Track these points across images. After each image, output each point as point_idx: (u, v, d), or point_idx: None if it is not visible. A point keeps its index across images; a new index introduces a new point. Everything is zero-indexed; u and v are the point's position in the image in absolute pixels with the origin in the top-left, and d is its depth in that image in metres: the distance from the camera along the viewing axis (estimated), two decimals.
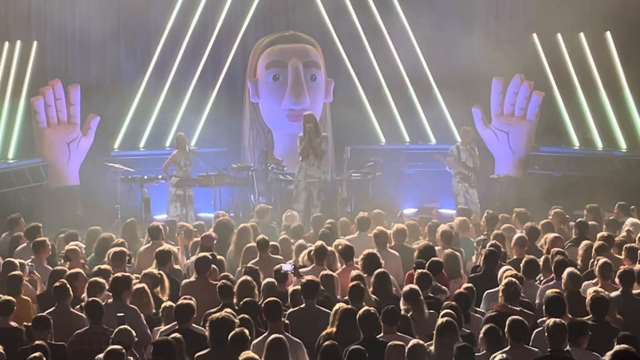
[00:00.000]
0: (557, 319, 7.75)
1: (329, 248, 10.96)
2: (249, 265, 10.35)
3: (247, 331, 7.77)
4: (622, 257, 10.52)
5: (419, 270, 9.59)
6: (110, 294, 9.20)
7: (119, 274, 9.30)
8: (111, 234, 12.75)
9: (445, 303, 8.65)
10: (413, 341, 7.69)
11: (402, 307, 8.80)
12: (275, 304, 8.33)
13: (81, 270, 9.84)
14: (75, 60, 19.31)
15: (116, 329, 7.93)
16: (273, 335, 7.71)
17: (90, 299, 8.68)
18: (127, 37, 19.55)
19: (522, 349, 7.76)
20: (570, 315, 8.35)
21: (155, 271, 9.93)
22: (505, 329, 7.81)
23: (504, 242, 11.31)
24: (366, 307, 8.23)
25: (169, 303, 9.03)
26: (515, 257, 10.91)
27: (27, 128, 18.23)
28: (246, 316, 8.22)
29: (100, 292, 9.14)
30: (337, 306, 8.48)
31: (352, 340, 7.88)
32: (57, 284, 9.07)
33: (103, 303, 8.77)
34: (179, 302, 8.67)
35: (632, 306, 9.05)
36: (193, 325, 8.46)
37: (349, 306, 8.46)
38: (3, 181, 17.35)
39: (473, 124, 18.67)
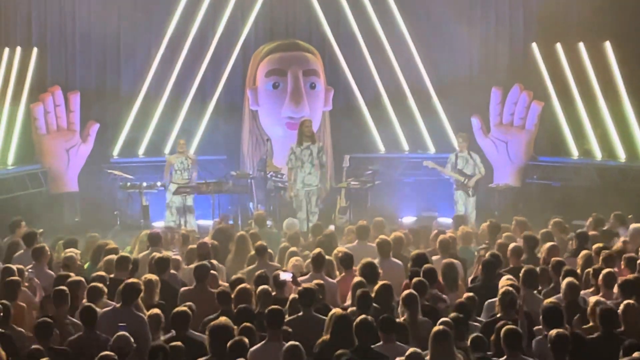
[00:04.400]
0: (560, 330, 7.73)
1: (327, 257, 10.98)
2: (256, 274, 10.33)
3: (246, 340, 7.76)
4: (622, 267, 10.50)
5: (415, 279, 9.56)
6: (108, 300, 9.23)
7: (130, 281, 9.27)
8: (109, 240, 12.76)
9: (452, 315, 8.55)
10: (410, 350, 7.68)
11: (399, 311, 8.79)
12: (277, 312, 8.31)
13: (83, 279, 9.81)
14: (75, 67, 19.34)
15: (115, 336, 7.93)
16: (289, 343, 7.72)
17: (85, 305, 8.66)
18: (127, 44, 19.57)
19: (519, 358, 7.75)
20: (567, 326, 8.33)
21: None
22: (501, 339, 7.79)
23: (505, 252, 11.28)
24: (363, 315, 8.20)
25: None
26: (511, 266, 10.88)
27: (27, 134, 18.26)
28: (248, 324, 8.22)
29: (100, 297, 9.15)
30: (331, 312, 8.45)
31: (346, 347, 7.88)
32: (56, 289, 9.07)
33: (108, 308, 8.80)
34: (176, 309, 8.66)
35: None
36: (191, 331, 8.46)
37: (343, 312, 8.43)
38: (2, 187, 17.36)
39: (472, 134, 18.70)
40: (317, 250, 10.84)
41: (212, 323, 8.03)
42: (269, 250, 11.67)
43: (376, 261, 10.54)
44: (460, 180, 16.83)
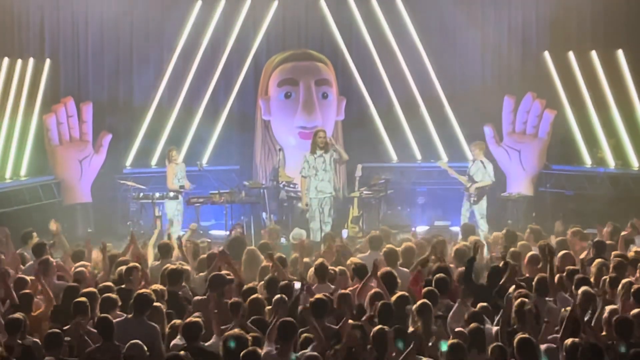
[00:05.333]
0: (576, 339, 7.67)
1: (340, 267, 10.96)
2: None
3: (259, 350, 7.74)
4: (637, 275, 10.44)
5: (426, 288, 9.53)
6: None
7: (142, 291, 9.26)
8: (119, 251, 12.76)
9: (471, 327, 8.48)
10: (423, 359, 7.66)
11: (413, 321, 8.76)
12: (290, 324, 8.25)
13: (96, 291, 9.79)
14: (87, 78, 19.41)
15: (127, 343, 7.94)
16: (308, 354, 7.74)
17: (101, 315, 8.66)
18: (139, 54, 19.64)
19: None
20: (583, 334, 8.28)
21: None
22: (515, 348, 7.75)
23: (520, 260, 11.24)
24: (380, 326, 8.17)
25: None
26: (527, 275, 10.82)
27: (40, 145, 18.32)
28: (256, 334, 8.19)
29: (113, 308, 9.14)
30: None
31: (361, 357, 7.85)
32: (75, 300, 9.06)
33: (121, 319, 8.80)
34: (187, 320, 8.63)
35: None
36: (202, 343, 8.43)
37: (357, 323, 8.39)
38: (15, 198, 17.40)
39: (485, 142, 18.67)
40: (320, 260, 10.82)
41: (227, 333, 8.02)
42: None
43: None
44: (466, 185, 16.81)
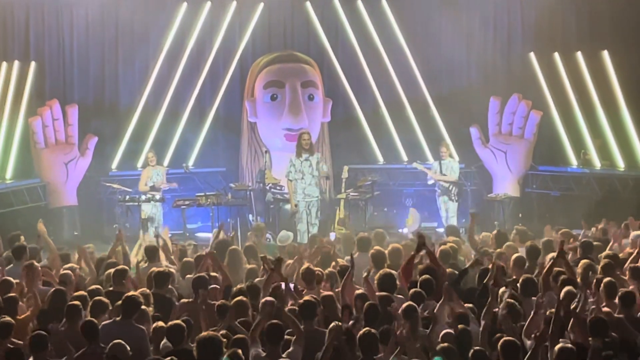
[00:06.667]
0: (567, 344, 7.67)
1: (331, 270, 10.94)
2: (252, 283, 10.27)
3: (239, 351, 7.69)
4: (626, 277, 10.43)
5: (412, 289, 9.51)
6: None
7: (130, 294, 9.23)
8: (107, 253, 12.70)
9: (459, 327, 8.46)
10: None
11: (400, 323, 8.74)
12: (277, 327, 8.20)
13: (86, 294, 9.75)
14: (73, 81, 19.36)
15: (110, 344, 7.91)
16: None
17: (86, 319, 8.62)
18: (125, 57, 19.60)
19: None
20: (571, 335, 8.27)
21: None
22: (499, 351, 7.74)
23: (507, 261, 11.24)
24: (367, 328, 8.13)
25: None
26: (514, 277, 10.80)
27: (25, 148, 18.26)
28: (241, 336, 8.16)
29: (104, 311, 9.11)
30: (331, 326, 8.37)
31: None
32: (70, 303, 9.02)
33: (109, 321, 8.78)
34: (171, 322, 8.58)
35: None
36: (190, 344, 8.40)
37: (342, 325, 8.34)
38: (1, 201, 17.36)
39: (471, 143, 18.74)
40: (305, 265, 10.75)
41: (200, 335, 7.97)
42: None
43: (372, 272, 10.50)
44: (445, 186, 16.94)
